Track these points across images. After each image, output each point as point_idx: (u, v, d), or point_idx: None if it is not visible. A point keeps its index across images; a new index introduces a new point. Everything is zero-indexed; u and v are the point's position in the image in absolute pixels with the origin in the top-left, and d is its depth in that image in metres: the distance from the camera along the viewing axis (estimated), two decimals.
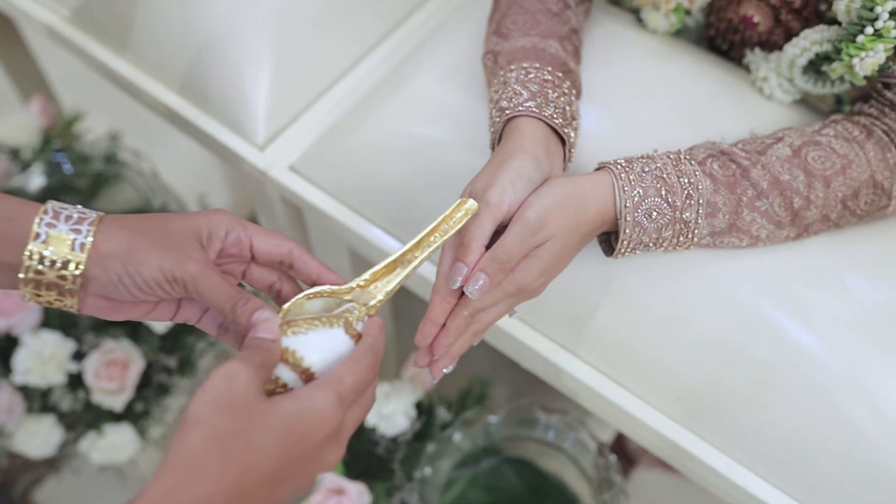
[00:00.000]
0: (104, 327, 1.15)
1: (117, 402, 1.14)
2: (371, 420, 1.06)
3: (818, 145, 0.73)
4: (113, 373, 1.12)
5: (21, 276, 0.55)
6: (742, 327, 0.75)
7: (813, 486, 0.75)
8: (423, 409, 1.10)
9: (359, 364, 0.54)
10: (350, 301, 0.59)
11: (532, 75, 0.73)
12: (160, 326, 1.14)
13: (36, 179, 1.24)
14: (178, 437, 0.47)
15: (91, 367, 1.12)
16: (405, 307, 1.17)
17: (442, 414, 1.08)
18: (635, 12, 0.90)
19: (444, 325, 0.67)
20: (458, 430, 1.04)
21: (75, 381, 1.15)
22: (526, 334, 0.82)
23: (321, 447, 0.51)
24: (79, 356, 1.14)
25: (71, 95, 1.54)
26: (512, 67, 0.75)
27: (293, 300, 0.58)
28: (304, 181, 0.91)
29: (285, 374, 0.53)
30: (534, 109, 0.70)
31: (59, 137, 1.29)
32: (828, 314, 0.75)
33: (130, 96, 1.06)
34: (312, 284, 0.61)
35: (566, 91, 0.74)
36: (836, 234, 0.77)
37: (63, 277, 0.55)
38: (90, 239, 0.55)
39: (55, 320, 1.14)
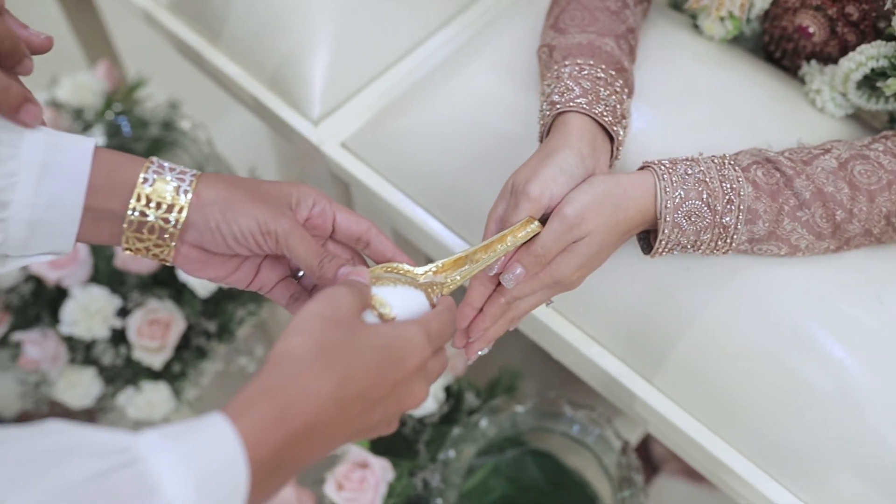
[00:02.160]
0: (150, 287, 1.19)
1: (156, 361, 1.17)
2: None
3: (866, 159, 0.73)
4: (155, 331, 1.15)
5: (128, 217, 0.58)
6: (774, 335, 0.76)
7: (837, 500, 0.76)
8: (452, 394, 1.12)
9: (441, 315, 0.58)
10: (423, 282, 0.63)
11: (585, 72, 0.74)
12: (203, 291, 1.17)
13: (96, 140, 1.28)
14: (281, 343, 0.50)
15: (134, 325, 1.15)
16: None
17: (470, 399, 1.10)
18: (693, 17, 0.91)
19: (481, 309, 0.70)
20: (485, 416, 1.06)
21: (118, 337, 1.18)
22: (559, 324, 0.83)
23: (411, 376, 0.53)
24: (123, 313, 1.17)
25: (135, 63, 1.58)
26: (566, 63, 0.76)
27: (373, 267, 0.62)
28: (354, 158, 0.93)
29: (369, 317, 0.56)
30: (584, 106, 0.71)
31: (120, 101, 1.33)
32: (862, 328, 0.75)
33: (192, 64, 1.09)
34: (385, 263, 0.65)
35: (618, 89, 0.75)
36: (875, 249, 0.77)
37: (166, 220, 0.58)
38: (192, 187, 0.59)
39: (104, 276, 1.18)
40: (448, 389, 1.12)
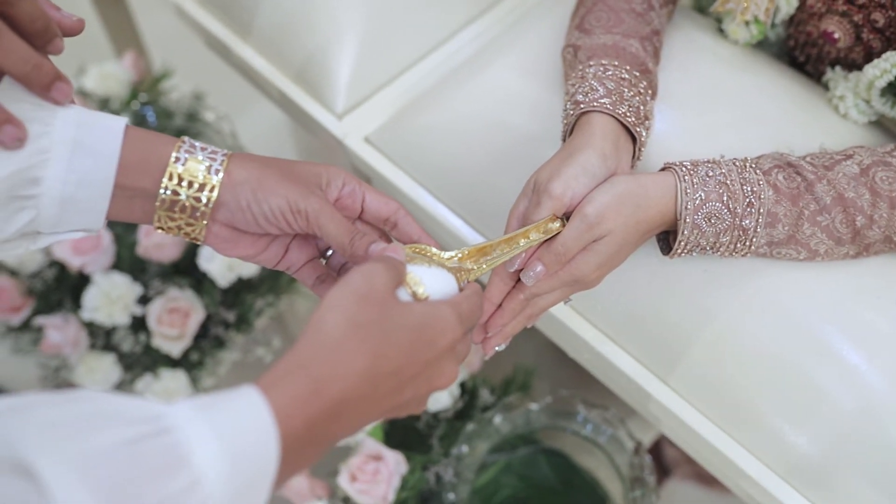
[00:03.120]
0: (171, 276, 1.20)
1: (175, 349, 1.18)
2: None
3: (888, 166, 0.73)
4: (174, 320, 1.16)
5: (160, 196, 0.58)
6: (791, 339, 0.76)
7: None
8: (467, 390, 1.13)
9: (471, 299, 0.58)
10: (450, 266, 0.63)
11: (610, 72, 0.75)
12: (223, 281, 1.18)
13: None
14: (315, 319, 0.50)
15: (154, 312, 1.16)
16: None
17: (485, 396, 1.11)
18: (718, 21, 0.91)
19: (500, 305, 0.70)
20: (499, 413, 1.06)
21: (138, 324, 1.20)
22: (575, 322, 0.84)
23: (443, 356, 0.54)
24: (144, 300, 1.19)
25: (161, 54, 1.60)
26: (591, 63, 0.76)
27: (403, 246, 0.62)
28: (376, 153, 0.94)
29: (402, 295, 0.57)
30: (608, 106, 0.72)
31: (146, 91, 1.34)
32: (879, 334, 0.75)
33: (219, 56, 1.10)
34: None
35: (642, 90, 0.76)
36: (894, 256, 0.77)
37: (198, 199, 0.59)
38: (224, 167, 0.59)
39: (126, 264, 1.19)
40: (463, 386, 1.12)
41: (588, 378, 0.92)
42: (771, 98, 0.85)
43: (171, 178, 0.58)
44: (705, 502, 1.52)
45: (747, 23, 0.86)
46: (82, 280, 1.19)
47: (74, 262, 1.16)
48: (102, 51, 1.56)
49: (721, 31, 0.91)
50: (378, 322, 0.50)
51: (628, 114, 0.72)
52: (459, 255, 0.63)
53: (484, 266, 0.64)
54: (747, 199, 0.70)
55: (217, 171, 0.59)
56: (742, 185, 0.70)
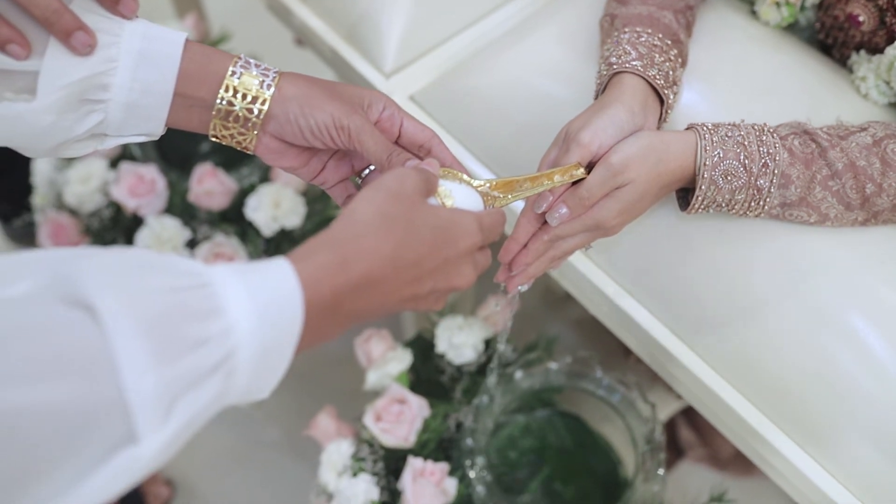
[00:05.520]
0: (218, 223, 1.27)
1: None
2: (441, 347, 1.14)
3: None
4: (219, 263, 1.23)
5: (216, 106, 0.65)
6: (798, 301, 0.80)
7: (850, 464, 0.80)
8: (491, 347, 1.18)
9: (494, 215, 0.63)
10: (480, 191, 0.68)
11: (643, 39, 0.80)
12: (267, 230, 1.24)
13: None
14: (348, 210, 0.55)
15: (201, 255, 1.23)
16: None
17: (508, 352, 1.16)
18: (751, 3, 0.95)
19: (525, 245, 0.75)
20: (520, 369, 1.11)
21: None
22: (596, 276, 0.89)
23: (462, 258, 0.59)
24: (192, 244, 1.25)
25: (221, 20, 1.68)
26: (626, 30, 0.81)
27: (438, 163, 0.67)
28: (420, 111, 1.00)
29: (432, 202, 0.61)
30: (639, 68, 0.77)
31: None
32: (884, 303, 0.79)
33: (278, 19, 1.17)
34: None
35: (672, 58, 0.80)
36: None
37: (250, 111, 0.65)
38: (275, 83, 0.65)
39: (177, 209, 1.26)
40: (487, 343, 1.17)
41: (609, 359, 0.96)
42: (795, 77, 0.89)
43: (226, 90, 0.64)
44: (717, 484, 1.55)
45: (778, 4, 0.90)
46: (136, 221, 1.26)
47: (130, 204, 1.23)
48: (165, 12, 1.63)
49: (754, 13, 0.95)
50: (405, 217, 0.56)
51: (658, 76, 0.77)
52: (488, 185, 0.68)
53: (510, 197, 0.69)
54: (763, 160, 0.74)
55: (269, 86, 0.65)
56: (759, 146, 0.75)
